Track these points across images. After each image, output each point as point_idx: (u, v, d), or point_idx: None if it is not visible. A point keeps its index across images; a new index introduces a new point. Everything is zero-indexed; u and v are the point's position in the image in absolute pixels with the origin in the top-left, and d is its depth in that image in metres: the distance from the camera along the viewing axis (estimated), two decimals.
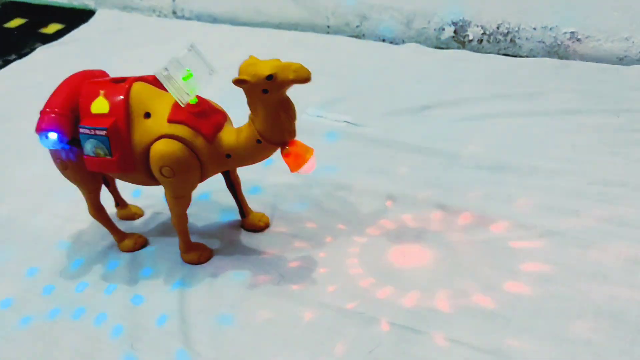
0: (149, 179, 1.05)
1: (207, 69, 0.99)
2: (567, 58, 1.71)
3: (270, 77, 0.92)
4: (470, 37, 1.83)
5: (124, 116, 0.98)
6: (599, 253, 1.09)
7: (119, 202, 1.29)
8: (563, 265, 1.08)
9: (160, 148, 0.98)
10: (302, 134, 1.49)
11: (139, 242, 1.23)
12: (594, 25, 1.64)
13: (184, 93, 0.98)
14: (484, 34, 1.80)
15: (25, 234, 1.33)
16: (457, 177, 1.33)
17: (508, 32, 1.76)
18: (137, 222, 1.32)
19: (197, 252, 1.17)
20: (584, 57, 1.69)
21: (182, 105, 0.99)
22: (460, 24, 1.82)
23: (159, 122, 1.00)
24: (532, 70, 1.69)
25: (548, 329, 0.97)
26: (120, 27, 2.26)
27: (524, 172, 1.31)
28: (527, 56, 1.77)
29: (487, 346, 0.96)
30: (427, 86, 1.70)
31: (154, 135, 1.00)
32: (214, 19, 2.24)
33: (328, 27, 2.05)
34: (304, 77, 0.93)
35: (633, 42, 1.61)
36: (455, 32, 1.84)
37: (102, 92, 1.00)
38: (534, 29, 1.72)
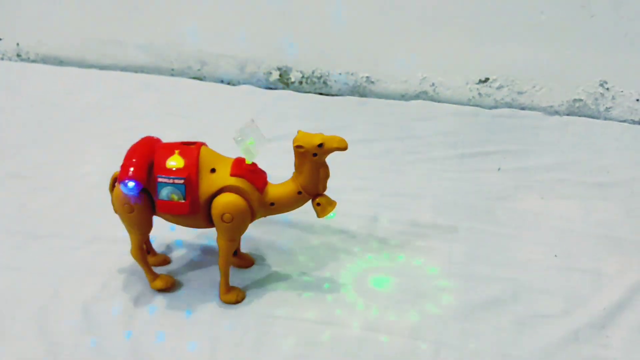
0: (205, 223, 1.30)
1: (263, 137, 1.28)
2: (365, 96, 2.23)
3: (320, 145, 1.25)
4: (293, 80, 2.27)
5: (196, 170, 1.25)
6: (391, 246, 1.58)
7: (150, 250, 1.49)
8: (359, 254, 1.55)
9: (225, 198, 1.25)
10: None
11: (170, 282, 1.42)
12: (382, 72, 2.18)
13: (251, 154, 1.27)
14: (303, 77, 2.25)
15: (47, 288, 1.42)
16: None
17: (321, 76, 2.24)
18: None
19: (234, 293, 1.40)
20: (377, 95, 2.22)
21: (249, 163, 1.28)
22: (284, 69, 2.25)
23: (223, 176, 1.27)
24: (341, 107, 2.18)
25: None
26: None
27: (336, 191, 1.74)
28: (336, 95, 2.26)
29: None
30: (260, 123, 2.08)
31: (219, 185, 1.27)
32: (60, 62, 2.41)
33: (172, 69, 2.35)
34: (343, 147, 1.26)
35: (410, 83, 2.17)
36: (280, 75, 2.27)
37: (177, 151, 1.26)
38: (340, 74, 2.21)
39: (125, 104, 2.21)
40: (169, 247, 1.56)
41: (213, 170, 1.28)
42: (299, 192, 1.31)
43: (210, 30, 2.24)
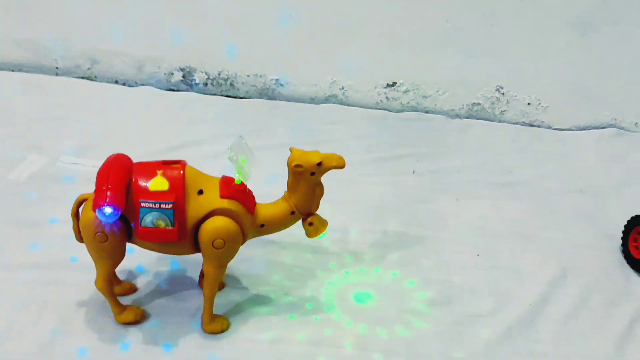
0: (191, 249, 1.18)
1: (253, 155, 1.17)
2: (274, 99, 2.17)
3: (319, 164, 1.19)
4: (197, 81, 2.14)
5: (183, 193, 1.12)
6: (325, 255, 1.55)
7: (114, 279, 1.31)
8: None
9: (215, 222, 1.14)
10: (62, 183, 1.62)
11: (139, 314, 1.27)
12: (291, 74, 2.13)
13: (245, 173, 1.16)
14: (208, 78, 2.14)
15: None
16: None
17: (228, 78, 2.14)
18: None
19: (219, 322, 1.28)
20: (286, 98, 2.17)
21: (246, 183, 1.17)
22: (188, 69, 2.12)
23: (212, 198, 1.16)
24: (250, 110, 2.10)
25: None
26: None
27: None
28: (244, 97, 2.17)
29: None
30: (168, 127, 1.95)
31: (208, 208, 1.15)
32: None
33: (57, 68, 2.11)
34: (342, 165, 1.22)
35: (319, 87, 2.15)
36: (183, 76, 2.13)
37: (159, 172, 1.12)
38: (248, 76, 2.13)
39: (4, 107, 1.94)
40: (131, 274, 1.40)
41: (200, 192, 1.17)
42: (292, 212, 1.24)
43: (102, 24, 2.04)
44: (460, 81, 2.13)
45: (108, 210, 1.08)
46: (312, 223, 1.26)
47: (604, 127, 2.19)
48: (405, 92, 2.16)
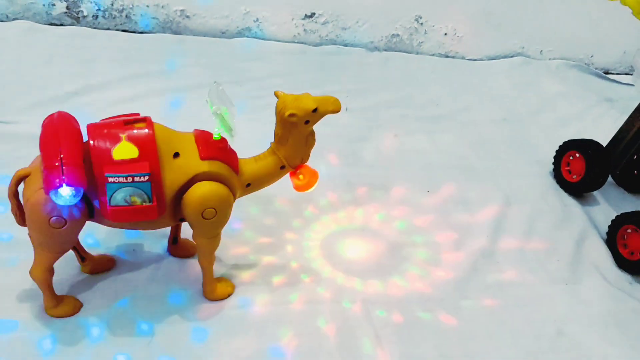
0: (170, 221, 0.96)
1: (232, 105, 0.95)
2: (179, 33, 1.91)
3: (315, 110, 1.01)
4: (85, 13, 1.81)
5: (157, 158, 0.87)
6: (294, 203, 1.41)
7: (85, 256, 1.11)
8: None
9: (202, 190, 0.91)
10: None
11: (77, 307, 1.06)
12: (199, 5, 1.88)
13: (230, 129, 0.95)
14: (98, 10, 1.81)
15: None
16: None
17: (123, 9, 1.83)
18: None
19: (225, 284, 1.15)
20: (194, 32, 1.92)
21: (230, 141, 0.98)
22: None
23: (191, 161, 0.94)
24: (154, 46, 1.83)
25: None
26: None
27: None
28: (143, 32, 1.88)
29: None
30: (56, 70, 1.64)
31: (188, 174, 0.96)
32: None
33: None
34: (338, 109, 1.05)
35: (231, 19, 1.93)
36: (67, 7, 1.78)
37: (123, 135, 0.84)
38: (147, 6, 1.84)
39: None
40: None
41: (177, 155, 0.96)
42: (282, 167, 1.08)
43: None
44: (380, 10, 2.03)
45: (66, 191, 0.85)
46: (303, 176, 1.11)
47: (512, 56, 2.24)
48: (324, 23, 2.01)
